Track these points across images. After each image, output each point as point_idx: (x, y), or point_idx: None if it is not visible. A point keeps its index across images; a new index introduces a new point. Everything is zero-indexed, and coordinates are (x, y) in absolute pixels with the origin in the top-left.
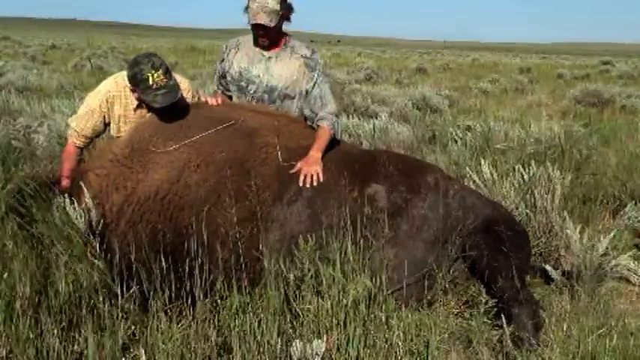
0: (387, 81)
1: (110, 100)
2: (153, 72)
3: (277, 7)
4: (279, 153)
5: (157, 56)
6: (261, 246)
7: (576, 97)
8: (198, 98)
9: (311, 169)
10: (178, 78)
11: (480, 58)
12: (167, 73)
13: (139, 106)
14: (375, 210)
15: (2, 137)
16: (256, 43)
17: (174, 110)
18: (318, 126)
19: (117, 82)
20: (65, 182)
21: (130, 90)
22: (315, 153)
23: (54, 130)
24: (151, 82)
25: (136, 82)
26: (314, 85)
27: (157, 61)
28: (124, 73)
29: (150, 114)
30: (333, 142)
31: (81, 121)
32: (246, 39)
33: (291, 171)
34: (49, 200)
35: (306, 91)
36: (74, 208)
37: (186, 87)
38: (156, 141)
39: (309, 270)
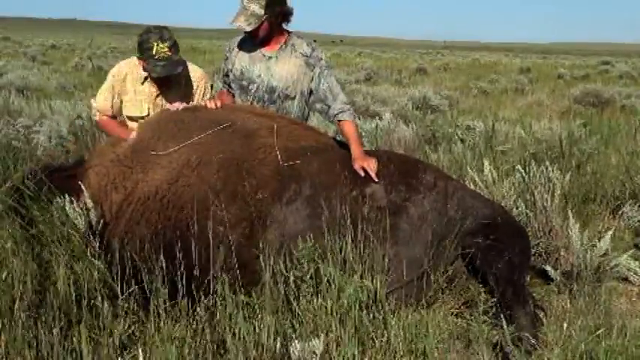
0: (387, 81)
1: (122, 76)
2: (159, 42)
3: (261, 11)
4: (278, 153)
5: (168, 30)
6: (260, 245)
7: (576, 97)
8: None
9: (365, 162)
10: (194, 68)
11: (480, 58)
12: (173, 47)
13: (146, 79)
14: (374, 209)
15: (2, 137)
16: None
17: (174, 89)
18: (339, 121)
19: (127, 62)
20: (126, 134)
21: (138, 60)
22: (357, 150)
23: (54, 130)
24: (154, 51)
25: (142, 50)
26: (319, 80)
27: (165, 34)
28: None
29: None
30: (335, 141)
31: (101, 101)
32: (249, 38)
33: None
34: (49, 200)
35: (311, 90)
36: (74, 208)
37: (198, 76)
38: (156, 143)
39: (308, 270)
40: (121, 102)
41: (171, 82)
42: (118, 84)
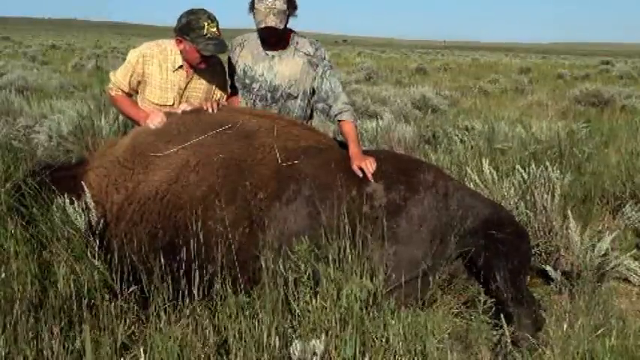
0: (387, 81)
1: (147, 59)
2: (209, 22)
3: (284, 6)
4: (277, 153)
5: (210, 13)
6: (259, 245)
7: (576, 97)
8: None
9: (363, 162)
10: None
11: (480, 58)
12: (218, 29)
13: (180, 67)
14: (373, 208)
15: (2, 137)
16: (262, 42)
17: (203, 81)
18: (339, 121)
19: (158, 44)
20: (138, 115)
21: (175, 42)
22: (355, 150)
23: (54, 130)
24: (205, 31)
25: (189, 30)
26: (322, 80)
27: (212, 15)
28: (166, 40)
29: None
30: (335, 141)
31: (120, 75)
32: (251, 37)
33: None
34: (49, 200)
35: (313, 89)
36: (74, 208)
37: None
38: (157, 144)
39: (305, 270)
40: (139, 83)
41: (209, 67)
42: (141, 62)
